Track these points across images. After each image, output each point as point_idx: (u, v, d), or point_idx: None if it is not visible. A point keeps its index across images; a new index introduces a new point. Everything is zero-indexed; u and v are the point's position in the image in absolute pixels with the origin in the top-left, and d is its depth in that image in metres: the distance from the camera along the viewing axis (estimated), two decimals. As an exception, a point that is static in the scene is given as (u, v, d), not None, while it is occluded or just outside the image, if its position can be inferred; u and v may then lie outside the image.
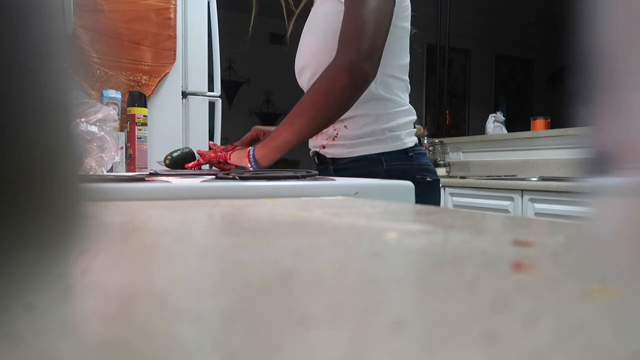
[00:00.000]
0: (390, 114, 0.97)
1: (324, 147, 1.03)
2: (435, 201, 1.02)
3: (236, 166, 1.03)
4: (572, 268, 0.20)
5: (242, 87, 5.51)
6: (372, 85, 0.95)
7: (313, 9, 1.04)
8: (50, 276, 0.13)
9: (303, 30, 1.06)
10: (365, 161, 0.97)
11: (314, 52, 1.00)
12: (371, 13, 0.86)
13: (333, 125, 0.99)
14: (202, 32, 1.79)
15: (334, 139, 1.00)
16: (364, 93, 0.92)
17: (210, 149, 1.12)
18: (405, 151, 0.97)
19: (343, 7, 0.90)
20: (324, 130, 1.01)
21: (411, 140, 0.99)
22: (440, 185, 1.09)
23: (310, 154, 1.09)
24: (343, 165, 1.00)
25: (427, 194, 0.99)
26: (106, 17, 1.58)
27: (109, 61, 1.60)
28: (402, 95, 1.01)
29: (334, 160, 1.02)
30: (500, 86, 6.17)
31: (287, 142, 0.91)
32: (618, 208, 0.15)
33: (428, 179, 0.99)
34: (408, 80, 1.03)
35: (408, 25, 1.00)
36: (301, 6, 1.12)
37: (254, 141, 1.15)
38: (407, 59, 1.02)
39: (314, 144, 1.06)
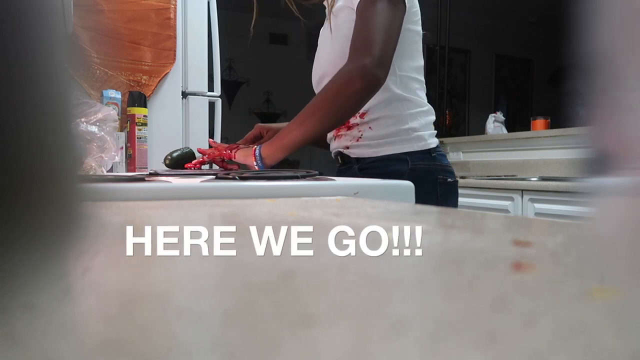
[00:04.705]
0: (412, 114, 1.00)
1: (347, 147, 1.06)
2: (455, 202, 1.06)
3: (239, 165, 1.03)
4: (572, 268, 0.20)
5: (242, 87, 5.50)
6: (393, 87, 0.98)
7: (328, 19, 1.05)
8: (50, 276, 0.13)
9: (320, 40, 1.08)
10: (391, 160, 1.00)
11: (333, 61, 1.02)
12: (382, 21, 0.89)
13: (357, 127, 1.02)
14: (202, 32, 1.79)
15: (358, 140, 1.03)
16: (386, 95, 0.97)
17: (210, 147, 1.12)
18: (429, 151, 1.01)
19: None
20: (347, 132, 1.04)
21: (434, 141, 1.02)
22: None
23: (333, 155, 1.12)
24: (368, 164, 1.03)
25: (448, 194, 1.02)
26: (106, 17, 1.58)
27: (109, 61, 1.60)
28: (422, 95, 1.04)
29: (359, 159, 1.05)
30: (500, 86, 6.17)
31: (296, 141, 0.93)
32: (618, 208, 0.15)
33: (449, 179, 1.02)
34: (424, 81, 1.06)
35: (419, 28, 1.03)
36: None
37: (256, 139, 1.16)
38: (422, 61, 1.05)
39: (337, 144, 1.08)
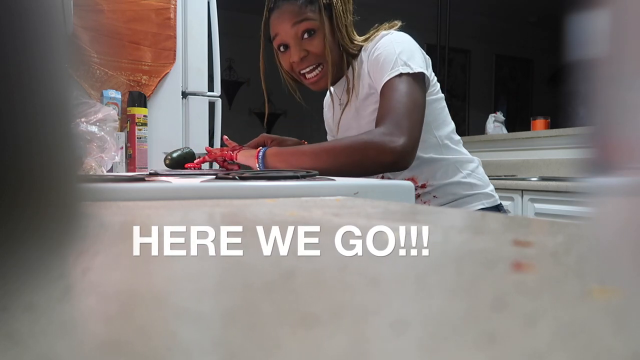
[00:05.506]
0: (469, 173, 1.03)
1: None
2: None
3: (239, 166, 1.04)
4: (572, 268, 0.20)
5: (242, 87, 5.50)
6: (444, 156, 1.01)
7: (356, 103, 1.03)
8: (50, 276, 0.13)
9: (347, 120, 1.06)
10: None
11: None
12: (412, 100, 0.90)
13: (420, 197, 1.03)
14: (202, 32, 1.79)
15: None
16: (440, 164, 1.00)
17: (224, 145, 1.14)
18: (498, 207, 1.04)
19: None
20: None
21: (498, 197, 1.06)
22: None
23: None
24: None
25: None
26: (106, 17, 1.58)
27: (109, 61, 1.60)
28: (465, 150, 1.07)
29: None
30: (500, 86, 6.17)
31: (304, 167, 0.92)
32: (618, 208, 0.15)
33: None
34: (459, 137, 1.09)
35: (442, 94, 1.05)
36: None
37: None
38: (452, 122, 1.08)
39: None
